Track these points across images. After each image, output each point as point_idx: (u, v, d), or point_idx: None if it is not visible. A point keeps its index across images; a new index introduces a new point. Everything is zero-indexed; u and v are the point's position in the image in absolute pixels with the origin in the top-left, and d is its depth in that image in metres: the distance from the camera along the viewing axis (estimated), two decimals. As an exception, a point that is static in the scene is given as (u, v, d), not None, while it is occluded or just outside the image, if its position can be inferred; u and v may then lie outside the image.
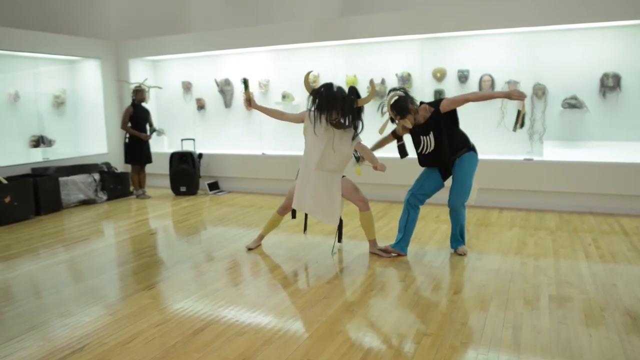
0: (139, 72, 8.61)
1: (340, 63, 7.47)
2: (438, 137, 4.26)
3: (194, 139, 8.32)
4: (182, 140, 8.31)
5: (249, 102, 4.58)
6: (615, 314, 3.20)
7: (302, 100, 7.81)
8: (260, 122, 8.18)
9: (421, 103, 4.37)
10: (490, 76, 6.64)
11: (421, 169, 4.59)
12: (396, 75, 7.10)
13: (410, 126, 4.29)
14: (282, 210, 4.79)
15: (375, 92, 4.43)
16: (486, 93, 4.12)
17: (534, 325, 3.06)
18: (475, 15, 6.33)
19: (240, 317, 3.28)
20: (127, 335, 3.05)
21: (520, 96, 4.03)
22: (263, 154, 7.94)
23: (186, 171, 7.85)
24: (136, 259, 4.67)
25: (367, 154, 4.33)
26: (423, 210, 6.31)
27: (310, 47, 7.58)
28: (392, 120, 4.38)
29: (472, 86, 6.77)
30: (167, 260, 4.66)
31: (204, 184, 8.07)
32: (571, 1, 5.87)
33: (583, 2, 5.82)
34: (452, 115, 4.32)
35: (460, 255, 4.47)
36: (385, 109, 4.33)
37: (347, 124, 4.24)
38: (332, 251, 4.71)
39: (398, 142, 4.54)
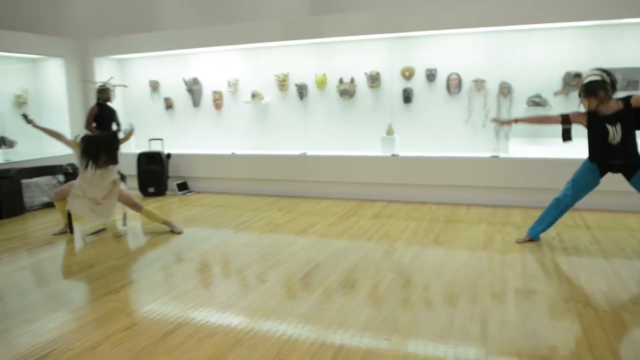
0: (104, 71, 8.44)
1: (310, 62, 7.48)
2: (626, 129, 4.24)
3: (162, 139, 8.20)
4: (149, 140, 8.18)
5: (33, 125, 5.47)
6: (578, 305, 3.29)
7: (271, 99, 7.80)
8: (230, 122, 8.13)
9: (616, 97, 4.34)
10: (458, 75, 6.75)
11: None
12: (365, 74, 7.14)
13: (585, 108, 4.34)
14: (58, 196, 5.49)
15: (132, 135, 5.68)
16: None
17: (501, 318, 3.12)
18: (442, 15, 6.41)
19: (211, 319, 3.25)
20: (94, 340, 2.99)
21: None
22: (233, 153, 7.88)
23: (154, 171, 7.73)
24: (103, 261, 4.57)
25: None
26: (393, 208, 6.40)
27: (280, 46, 7.56)
28: (579, 95, 4.39)
29: (440, 85, 6.87)
30: (135, 262, 4.59)
31: (172, 184, 7.96)
32: (535, 2, 6.01)
33: (546, 3, 5.96)
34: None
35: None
36: (576, 81, 4.36)
37: (112, 162, 5.15)
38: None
39: (564, 125, 4.53)
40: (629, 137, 4.27)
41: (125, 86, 8.20)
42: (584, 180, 4.52)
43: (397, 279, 3.87)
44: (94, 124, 7.16)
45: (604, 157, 4.40)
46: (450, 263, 4.22)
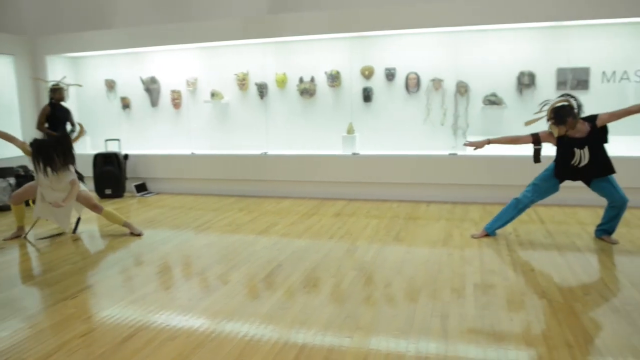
0: (57, 69, 8.17)
1: (270, 61, 7.45)
2: (595, 150, 4.37)
3: (119, 140, 8.01)
4: (106, 140, 7.98)
5: None
6: (534, 297, 3.40)
7: (231, 99, 7.73)
8: (189, 121, 8.01)
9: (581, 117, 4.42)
10: (416, 74, 6.86)
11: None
12: (325, 73, 7.17)
13: (555, 135, 4.43)
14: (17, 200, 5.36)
15: (84, 132, 5.91)
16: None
17: (461, 312, 3.19)
18: (401, 15, 6.50)
19: (172, 322, 3.19)
20: (49, 348, 2.89)
21: None
22: (192, 153, 7.77)
23: (111, 173, 7.54)
24: (59, 266, 4.42)
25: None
26: (354, 206, 6.45)
27: (239, 45, 7.50)
28: (548, 120, 4.44)
29: (399, 84, 6.96)
30: (93, 266, 4.46)
31: (130, 185, 7.78)
32: (490, 4, 6.17)
33: (500, 5, 6.13)
34: (605, 131, 4.42)
35: (613, 243, 4.57)
36: (547, 107, 4.42)
37: (69, 162, 5.07)
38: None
39: (536, 145, 4.58)
40: (598, 154, 4.43)
41: (79, 85, 7.97)
42: (545, 186, 4.69)
43: (359, 277, 3.90)
44: (46, 124, 6.92)
45: (566, 176, 4.60)
46: (410, 260, 4.29)
